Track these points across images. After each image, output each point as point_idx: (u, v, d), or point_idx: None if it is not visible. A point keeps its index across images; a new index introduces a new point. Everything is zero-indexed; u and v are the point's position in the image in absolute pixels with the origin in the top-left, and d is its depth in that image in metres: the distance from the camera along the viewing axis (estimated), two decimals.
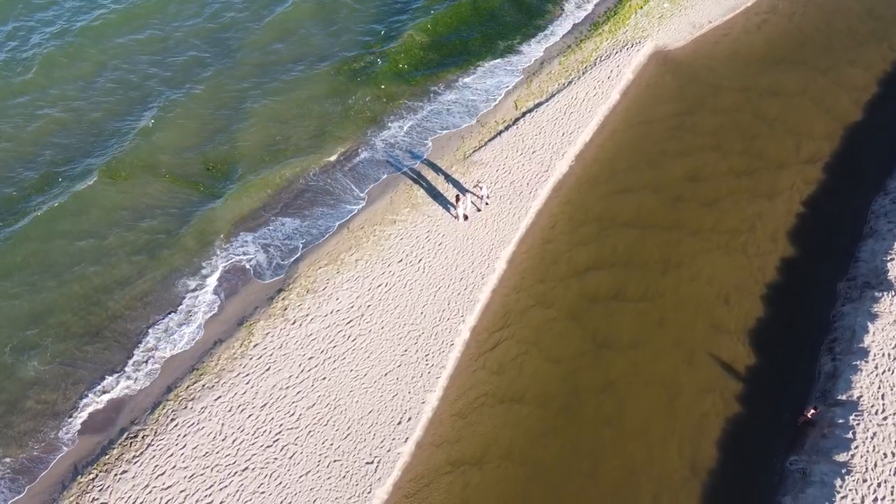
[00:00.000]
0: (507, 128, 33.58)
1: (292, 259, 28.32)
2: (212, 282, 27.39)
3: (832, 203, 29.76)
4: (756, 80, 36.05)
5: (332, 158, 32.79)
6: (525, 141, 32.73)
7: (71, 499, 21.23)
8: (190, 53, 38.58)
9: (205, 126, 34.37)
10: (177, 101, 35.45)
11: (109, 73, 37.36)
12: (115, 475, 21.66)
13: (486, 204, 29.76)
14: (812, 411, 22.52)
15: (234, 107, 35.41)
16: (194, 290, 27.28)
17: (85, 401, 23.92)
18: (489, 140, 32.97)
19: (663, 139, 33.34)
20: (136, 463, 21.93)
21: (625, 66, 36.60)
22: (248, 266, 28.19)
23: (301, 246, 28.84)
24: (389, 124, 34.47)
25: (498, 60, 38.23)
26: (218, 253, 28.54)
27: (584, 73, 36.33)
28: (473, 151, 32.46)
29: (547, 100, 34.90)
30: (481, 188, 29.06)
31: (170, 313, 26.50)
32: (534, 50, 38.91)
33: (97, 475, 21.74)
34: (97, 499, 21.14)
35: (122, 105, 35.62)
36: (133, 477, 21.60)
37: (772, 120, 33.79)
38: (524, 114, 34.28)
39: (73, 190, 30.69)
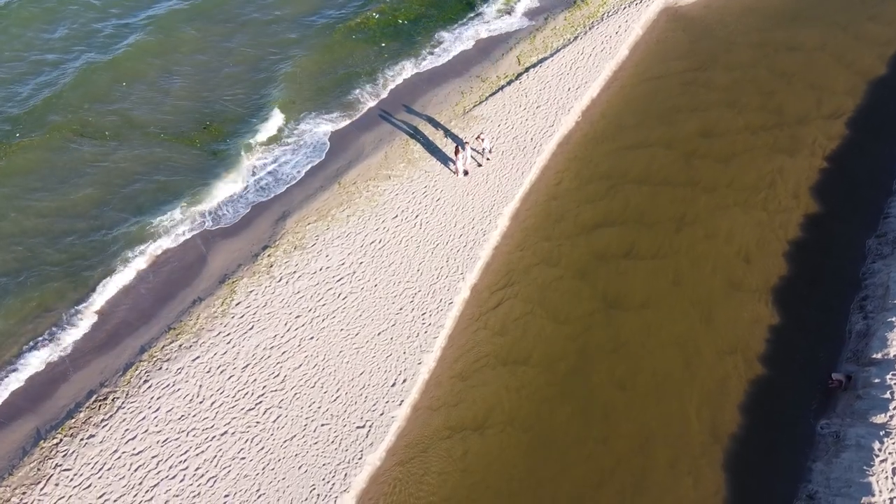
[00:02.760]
0: (509, 83, 31.62)
1: (277, 217, 26.36)
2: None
3: (858, 158, 27.85)
4: (772, 36, 34.13)
5: (326, 114, 30.74)
6: (529, 96, 30.76)
7: (32, 465, 19.32)
8: (179, 14, 36.51)
9: (197, 87, 32.29)
10: (168, 63, 33.46)
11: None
12: (82, 440, 19.73)
13: (488, 159, 27.81)
14: (844, 372, 20.61)
15: (225, 64, 33.39)
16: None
17: (47, 356, 21.95)
18: (490, 95, 31.02)
19: (675, 95, 31.43)
20: (104, 427, 20.00)
21: (634, 21, 34.65)
22: (228, 221, 26.21)
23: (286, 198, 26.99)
24: (386, 80, 32.55)
25: (503, 12, 36.24)
26: (198, 207, 26.64)
27: (590, 29, 34.37)
28: (474, 106, 30.50)
29: (552, 55, 32.92)
30: (482, 140, 27.09)
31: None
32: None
33: (61, 440, 19.81)
34: (60, 465, 19.22)
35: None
36: (101, 441, 19.68)
37: (790, 75, 31.87)
38: (527, 69, 32.31)
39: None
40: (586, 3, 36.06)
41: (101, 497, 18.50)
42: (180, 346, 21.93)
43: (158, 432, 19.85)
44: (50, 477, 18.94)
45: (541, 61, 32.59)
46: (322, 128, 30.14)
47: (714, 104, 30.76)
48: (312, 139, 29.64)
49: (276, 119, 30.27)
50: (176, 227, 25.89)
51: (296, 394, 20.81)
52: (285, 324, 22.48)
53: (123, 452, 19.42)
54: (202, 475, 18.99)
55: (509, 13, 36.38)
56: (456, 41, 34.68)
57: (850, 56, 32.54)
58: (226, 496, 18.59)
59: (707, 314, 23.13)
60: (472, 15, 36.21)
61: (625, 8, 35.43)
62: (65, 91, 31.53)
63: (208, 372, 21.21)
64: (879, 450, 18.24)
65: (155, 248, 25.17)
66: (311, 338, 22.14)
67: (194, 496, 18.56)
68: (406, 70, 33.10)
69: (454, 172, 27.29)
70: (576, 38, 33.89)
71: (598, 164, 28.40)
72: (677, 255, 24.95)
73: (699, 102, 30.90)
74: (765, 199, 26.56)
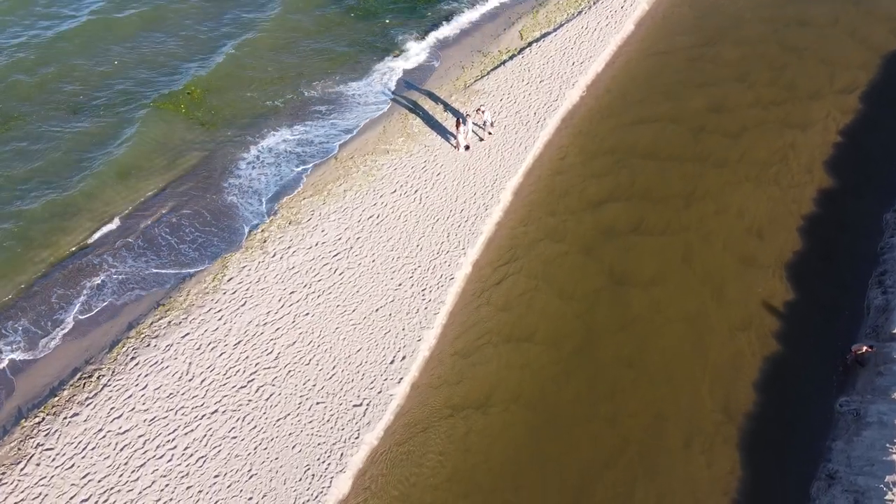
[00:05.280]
0: (511, 57, 30.70)
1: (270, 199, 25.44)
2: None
3: (872, 133, 27.00)
4: (782, 12, 33.28)
5: (323, 90, 29.77)
6: (531, 70, 29.82)
7: (12, 444, 18.37)
8: None
9: (190, 64, 31.29)
10: (163, 43, 32.51)
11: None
12: (65, 418, 18.79)
13: (490, 133, 26.85)
14: (863, 348, 19.68)
15: (220, 42, 32.44)
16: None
17: (29, 332, 20.99)
18: (492, 69, 30.09)
19: (682, 70, 30.54)
20: (88, 405, 19.05)
21: None
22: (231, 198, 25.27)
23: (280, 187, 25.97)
24: (384, 55, 31.67)
25: None
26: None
27: (594, 3, 33.50)
28: (475, 81, 29.56)
29: (555, 30, 32.03)
30: (483, 112, 26.15)
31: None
32: None
33: (44, 418, 18.87)
34: (42, 444, 18.27)
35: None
36: (85, 420, 18.73)
37: (801, 50, 31.01)
38: (530, 44, 31.41)
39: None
40: None
41: (84, 477, 17.57)
42: (170, 322, 21.00)
43: (145, 411, 18.92)
44: (31, 457, 18.00)
45: (544, 36, 31.67)
46: (322, 101, 29.12)
47: (723, 79, 29.87)
48: (313, 114, 28.61)
49: (274, 95, 29.30)
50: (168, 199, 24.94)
51: (290, 371, 19.89)
52: (279, 300, 21.55)
53: (108, 431, 18.47)
54: (191, 455, 18.06)
55: None
56: (459, 14, 33.77)
57: (863, 31, 31.67)
58: (216, 476, 17.67)
59: (718, 290, 22.21)
60: None
61: None
62: None
63: (198, 349, 20.28)
64: None
65: (146, 223, 24.18)
66: (307, 314, 21.22)
67: (182, 476, 17.63)
68: (406, 44, 32.10)
69: (455, 147, 26.35)
70: (580, 12, 32.97)
71: (603, 138, 27.46)
72: (687, 230, 24.03)
73: (707, 77, 30.01)
74: (777, 173, 25.66)
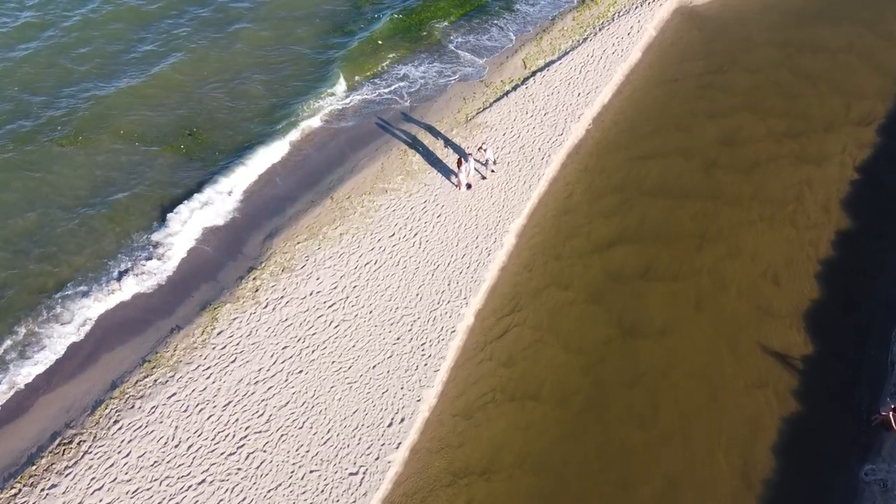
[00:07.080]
0: (514, 88, 29.61)
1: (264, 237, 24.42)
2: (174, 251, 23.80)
3: (892, 167, 25.82)
4: (794, 36, 32.13)
5: (318, 120, 28.73)
6: (535, 102, 28.74)
7: None
8: (170, 14, 34.55)
9: (186, 87, 30.26)
10: (160, 63, 31.47)
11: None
12: (42, 490, 17.75)
13: (492, 171, 25.76)
14: (890, 409, 18.56)
15: (218, 62, 31.48)
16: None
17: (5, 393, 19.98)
18: (495, 101, 29.00)
19: (692, 99, 29.42)
20: (68, 475, 18.00)
21: (646, 21, 32.65)
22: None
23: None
24: (382, 83, 30.49)
25: (506, 15, 34.28)
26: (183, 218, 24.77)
27: (600, 30, 32.36)
28: (477, 113, 28.47)
29: (559, 58, 30.91)
30: (485, 150, 25.08)
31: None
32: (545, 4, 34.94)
33: (20, 490, 17.82)
34: None
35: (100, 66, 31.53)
36: (64, 492, 17.68)
37: (815, 78, 29.87)
38: (534, 73, 30.31)
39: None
40: (595, 3, 34.00)
41: None
42: (155, 381, 19.94)
43: (128, 481, 17.85)
44: None
45: (548, 65, 30.58)
46: (313, 136, 28.10)
47: (734, 109, 28.76)
48: (301, 150, 27.60)
49: (264, 127, 28.30)
50: (159, 243, 23.97)
51: (282, 436, 18.82)
52: (271, 355, 20.50)
53: None
54: None
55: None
56: (458, 37, 32.77)
57: (879, 57, 30.55)
58: None
59: (733, 342, 21.14)
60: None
61: (636, 7, 33.40)
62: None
63: (185, 411, 19.21)
64: None
65: (132, 267, 23.22)
66: (300, 371, 20.15)
67: None
68: (402, 71, 31.05)
69: (456, 186, 25.28)
70: (585, 39, 31.89)
71: (611, 175, 26.37)
72: (699, 275, 22.95)
73: (718, 107, 28.90)
74: (793, 213, 24.57)
